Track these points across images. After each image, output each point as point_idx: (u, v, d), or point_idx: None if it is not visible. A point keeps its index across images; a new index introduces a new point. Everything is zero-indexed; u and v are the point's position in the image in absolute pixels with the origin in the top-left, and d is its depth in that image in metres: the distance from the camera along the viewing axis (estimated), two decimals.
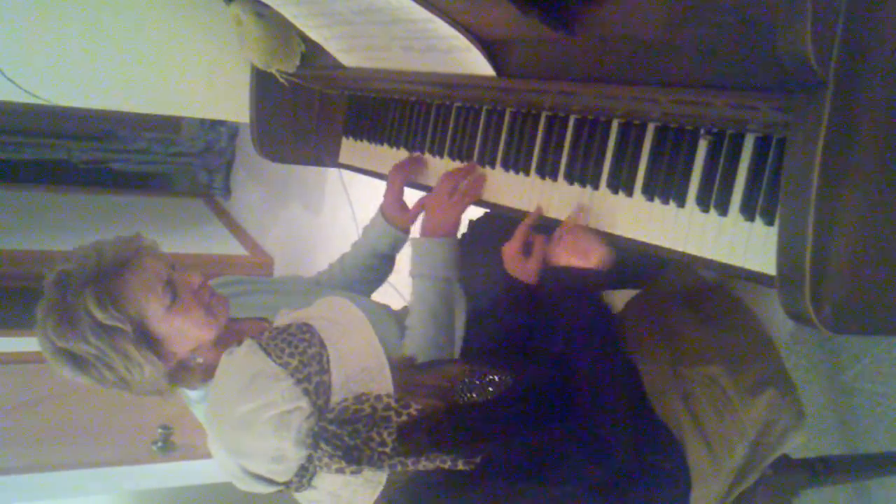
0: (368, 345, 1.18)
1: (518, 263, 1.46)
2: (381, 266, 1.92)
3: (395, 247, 1.90)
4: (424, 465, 1.11)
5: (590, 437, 1.22)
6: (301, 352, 1.14)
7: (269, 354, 1.14)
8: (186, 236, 4.74)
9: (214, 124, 5.32)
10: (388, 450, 1.10)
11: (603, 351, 1.30)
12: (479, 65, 1.41)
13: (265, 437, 1.10)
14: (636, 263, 1.46)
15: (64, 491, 2.90)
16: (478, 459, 1.14)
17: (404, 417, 1.12)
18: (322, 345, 1.15)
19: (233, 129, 5.33)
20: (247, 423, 1.11)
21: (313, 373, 1.13)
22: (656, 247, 1.28)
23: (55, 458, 2.85)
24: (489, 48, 1.38)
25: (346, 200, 3.76)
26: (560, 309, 1.34)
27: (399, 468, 1.10)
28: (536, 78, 1.35)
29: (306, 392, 1.11)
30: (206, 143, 5.36)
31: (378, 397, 1.12)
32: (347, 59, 1.75)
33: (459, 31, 1.36)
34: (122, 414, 2.98)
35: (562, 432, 1.23)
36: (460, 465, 1.13)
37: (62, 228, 4.31)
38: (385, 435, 1.10)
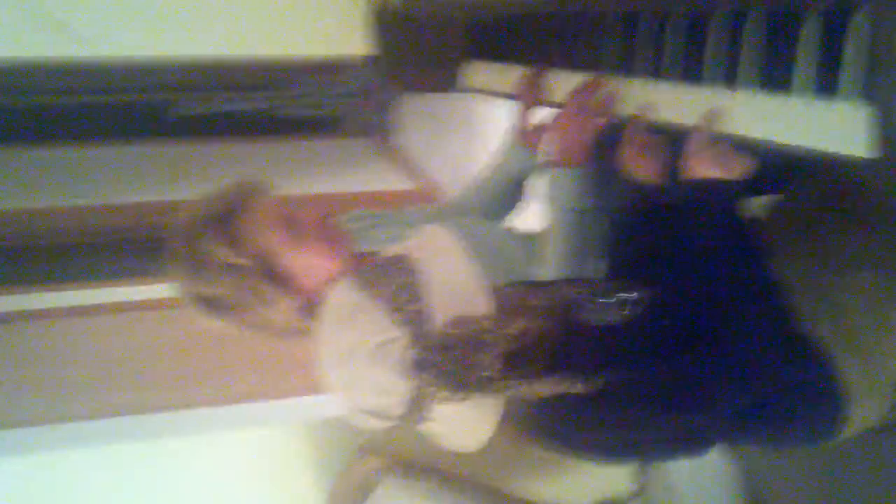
0: (463, 269, 1.14)
1: (640, 164, 1.34)
2: (510, 191, 1.86)
3: (525, 170, 1.84)
4: (539, 387, 1.06)
5: (732, 362, 1.13)
6: (393, 282, 1.12)
7: (362, 288, 1.13)
8: (356, 176, 4.84)
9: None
10: (493, 373, 1.05)
11: (746, 266, 1.19)
12: None
13: (366, 370, 1.10)
14: (771, 167, 1.33)
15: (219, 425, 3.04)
16: (599, 382, 1.08)
17: (506, 338, 1.06)
18: (414, 273, 1.13)
19: None
20: (347, 358, 1.11)
21: (407, 301, 1.10)
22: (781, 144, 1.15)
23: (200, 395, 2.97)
24: None
25: (503, 127, 3.71)
26: (702, 223, 1.23)
27: (510, 392, 1.05)
28: None
29: (402, 321, 1.09)
30: (368, 84, 5.43)
31: (477, 320, 1.07)
32: None
33: None
34: (269, 349, 3.04)
35: (698, 356, 1.14)
36: (579, 388, 1.07)
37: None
38: (488, 358, 1.05)
